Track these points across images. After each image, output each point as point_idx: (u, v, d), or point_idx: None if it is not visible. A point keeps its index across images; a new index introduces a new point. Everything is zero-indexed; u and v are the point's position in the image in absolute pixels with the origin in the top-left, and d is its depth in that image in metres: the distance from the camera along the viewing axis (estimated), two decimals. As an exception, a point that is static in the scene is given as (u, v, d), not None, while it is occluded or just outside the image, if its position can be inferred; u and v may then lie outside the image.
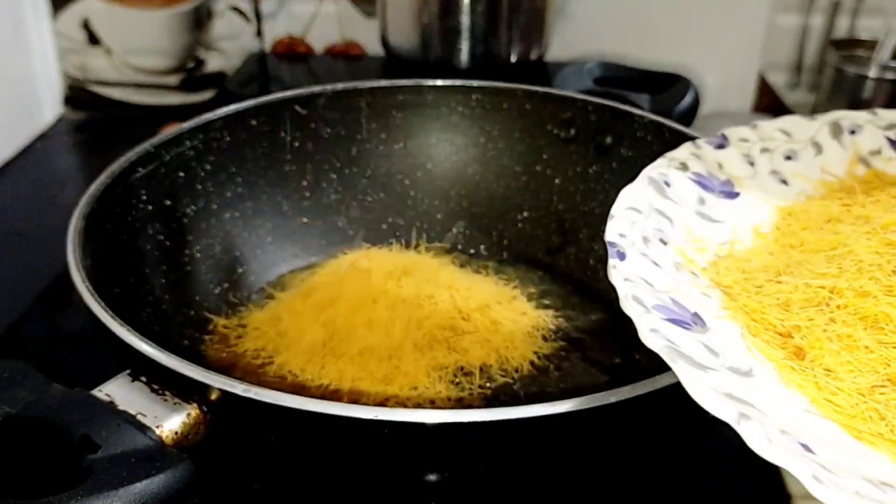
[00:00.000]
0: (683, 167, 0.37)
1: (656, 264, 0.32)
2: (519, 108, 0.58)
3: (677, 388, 0.31)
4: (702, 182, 0.37)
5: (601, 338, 0.49)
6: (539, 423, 0.30)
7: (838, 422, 0.25)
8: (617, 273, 0.30)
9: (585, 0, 0.91)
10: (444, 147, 0.60)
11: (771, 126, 0.40)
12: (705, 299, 0.31)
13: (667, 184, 0.36)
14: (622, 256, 0.31)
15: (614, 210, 0.34)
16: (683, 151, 0.38)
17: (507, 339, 0.46)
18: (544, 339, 0.48)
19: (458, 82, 0.59)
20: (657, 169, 0.36)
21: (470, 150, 0.59)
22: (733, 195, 0.37)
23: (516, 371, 0.45)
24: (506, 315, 0.48)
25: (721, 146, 0.38)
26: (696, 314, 0.29)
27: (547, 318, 0.50)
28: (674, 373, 0.31)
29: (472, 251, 0.58)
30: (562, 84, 0.77)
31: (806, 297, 0.29)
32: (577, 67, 0.80)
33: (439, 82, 0.59)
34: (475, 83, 0.58)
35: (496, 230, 0.58)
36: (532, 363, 0.46)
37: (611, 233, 0.33)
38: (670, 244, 0.33)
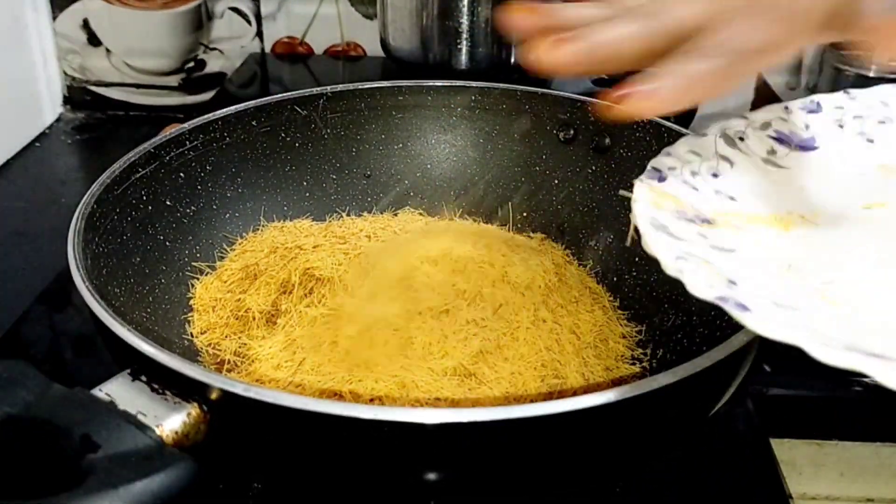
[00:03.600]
0: (766, 126, 0.38)
1: (695, 189, 0.32)
2: (518, 108, 0.58)
3: (677, 388, 0.31)
4: (781, 138, 0.37)
5: (600, 338, 0.49)
6: (539, 422, 0.30)
7: None
8: (644, 187, 0.31)
9: (585, 1, 0.91)
10: (443, 147, 0.60)
11: (868, 95, 0.40)
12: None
13: (741, 139, 0.36)
14: (661, 179, 0.32)
15: (669, 149, 0.34)
16: (769, 113, 0.39)
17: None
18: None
19: (457, 83, 0.59)
20: (734, 127, 0.37)
21: (469, 151, 0.60)
22: (811, 148, 0.37)
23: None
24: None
25: (813, 111, 0.39)
26: (711, 220, 0.30)
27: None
28: (674, 372, 0.31)
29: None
30: (560, 85, 0.77)
31: None
32: (577, 68, 0.80)
33: (439, 83, 0.59)
34: (475, 84, 0.59)
35: (496, 230, 0.58)
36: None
37: (658, 162, 0.33)
38: (722, 177, 0.34)
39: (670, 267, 0.28)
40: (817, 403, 0.50)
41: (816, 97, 0.40)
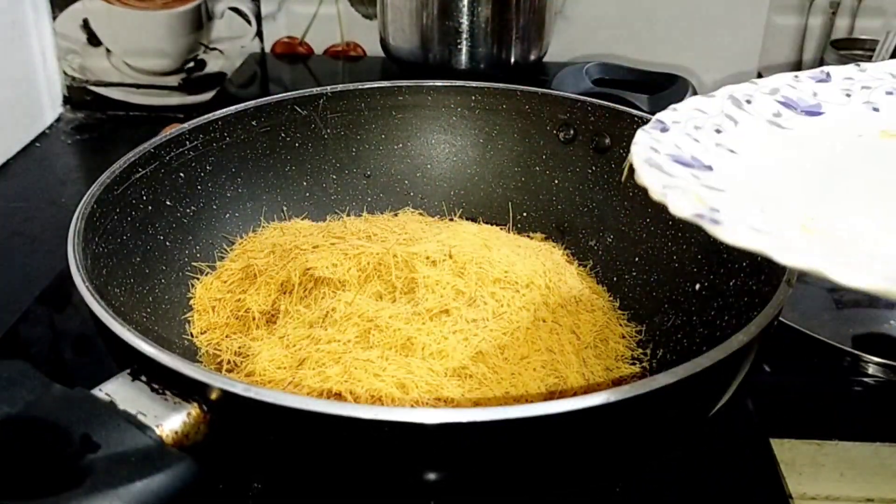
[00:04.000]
0: (774, 91, 0.38)
1: (696, 140, 0.33)
2: (518, 108, 0.58)
3: (677, 388, 0.31)
4: (788, 103, 0.38)
5: (600, 338, 0.49)
6: (539, 422, 0.30)
7: None
8: (644, 134, 0.31)
9: (584, 1, 0.92)
10: (443, 147, 0.60)
11: (879, 68, 0.41)
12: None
13: (748, 101, 0.37)
14: (664, 130, 0.32)
15: (675, 105, 0.35)
16: (778, 80, 0.39)
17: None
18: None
19: (457, 83, 0.59)
20: (742, 90, 0.38)
21: (469, 151, 0.60)
22: (817, 114, 0.38)
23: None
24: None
25: (823, 81, 0.39)
26: (707, 165, 0.31)
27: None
28: (674, 372, 0.31)
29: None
30: (560, 85, 0.77)
31: None
32: (576, 68, 0.81)
33: (439, 83, 0.59)
34: (474, 84, 0.59)
35: (496, 230, 0.58)
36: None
37: (663, 115, 0.34)
38: (725, 133, 0.34)
39: (657, 192, 0.28)
40: (817, 403, 0.50)
41: (827, 68, 0.41)
